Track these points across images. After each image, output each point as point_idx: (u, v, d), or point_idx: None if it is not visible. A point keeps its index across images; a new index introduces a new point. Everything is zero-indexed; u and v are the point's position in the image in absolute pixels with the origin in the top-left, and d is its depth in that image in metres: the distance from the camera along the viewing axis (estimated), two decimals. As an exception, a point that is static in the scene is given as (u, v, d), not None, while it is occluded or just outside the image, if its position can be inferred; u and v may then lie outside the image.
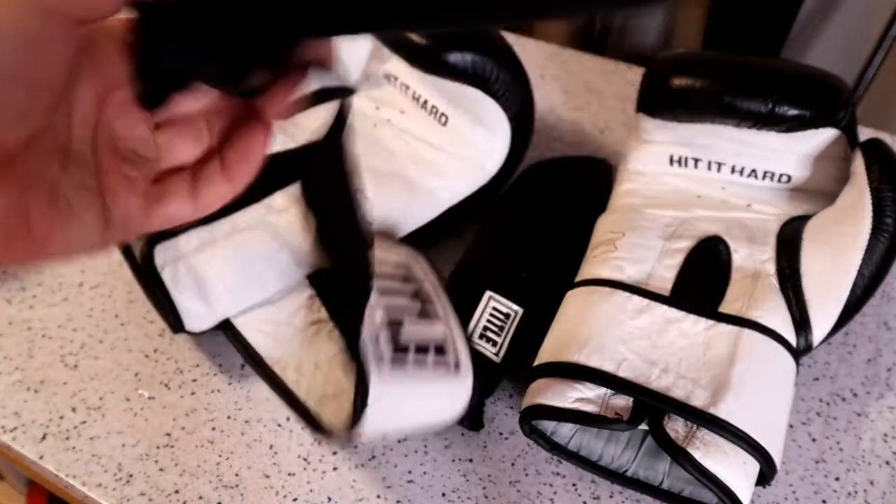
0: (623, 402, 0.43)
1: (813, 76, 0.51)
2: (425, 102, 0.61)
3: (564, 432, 0.47)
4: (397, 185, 0.57)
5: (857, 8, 1.16)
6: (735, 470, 0.41)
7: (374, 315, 0.43)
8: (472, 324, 0.51)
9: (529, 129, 0.61)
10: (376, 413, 0.41)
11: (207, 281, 0.51)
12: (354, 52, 0.64)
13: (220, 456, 0.49)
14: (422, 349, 0.43)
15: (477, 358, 0.50)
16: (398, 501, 0.47)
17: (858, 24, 1.17)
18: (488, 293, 0.52)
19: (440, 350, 0.44)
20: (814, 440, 0.49)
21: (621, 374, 0.44)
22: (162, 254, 0.50)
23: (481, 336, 0.50)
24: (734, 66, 0.52)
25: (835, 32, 1.20)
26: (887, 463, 0.49)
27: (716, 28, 1.26)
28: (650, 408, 0.43)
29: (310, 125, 0.60)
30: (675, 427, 0.42)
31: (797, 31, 1.22)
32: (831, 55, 1.23)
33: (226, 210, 0.52)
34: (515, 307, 0.52)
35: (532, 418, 0.45)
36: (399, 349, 0.42)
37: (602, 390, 0.44)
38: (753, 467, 0.42)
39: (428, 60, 0.56)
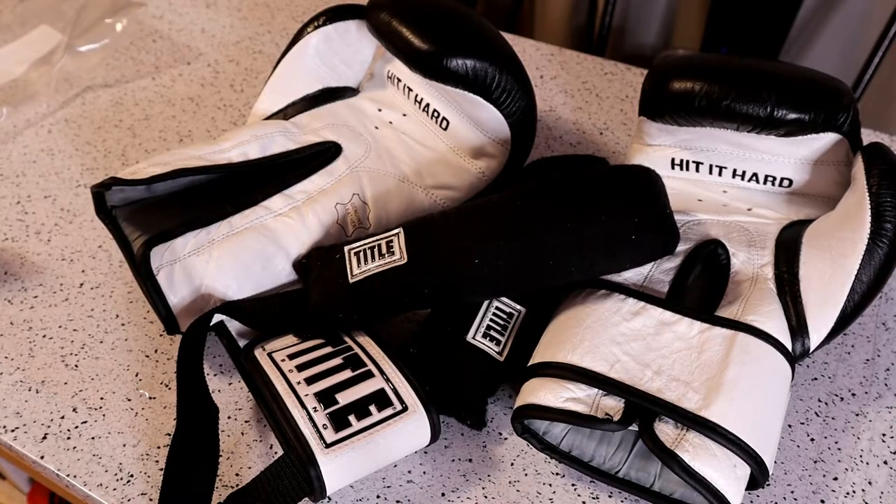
0: (614, 402, 0.44)
1: (813, 80, 0.51)
2: (427, 106, 0.61)
3: (557, 432, 0.47)
4: (396, 188, 0.57)
5: (857, 8, 1.17)
6: (725, 473, 0.41)
7: (307, 403, 0.45)
8: (475, 323, 0.51)
9: (531, 136, 0.60)
10: (341, 474, 0.43)
11: (203, 283, 0.51)
12: (360, 53, 0.64)
13: (220, 456, 0.49)
14: (363, 409, 0.45)
15: (480, 356, 0.50)
16: (398, 501, 0.47)
17: (858, 25, 1.17)
18: None
19: (382, 400, 0.45)
20: (812, 440, 0.50)
21: (613, 375, 0.44)
22: (158, 256, 0.50)
23: (485, 335, 0.50)
24: (734, 69, 0.52)
25: (834, 33, 1.20)
26: (885, 463, 0.49)
27: (716, 28, 1.26)
28: (641, 409, 0.43)
29: (310, 125, 0.60)
30: (666, 429, 0.42)
31: (796, 31, 1.22)
32: (830, 55, 1.23)
33: (224, 212, 0.52)
34: (518, 307, 0.52)
35: (523, 418, 0.45)
36: (341, 422, 0.44)
37: (593, 390, 0.44)
38: (744, 471, 0.42)
39: (429, 66, 0.55)
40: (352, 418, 0.44)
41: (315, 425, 0.44)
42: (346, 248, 0.50)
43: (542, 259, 0.47)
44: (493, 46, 0.56)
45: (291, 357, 0.48)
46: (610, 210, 0.47)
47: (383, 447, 0.44)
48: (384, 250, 0.49)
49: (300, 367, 0.47)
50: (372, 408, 0.45)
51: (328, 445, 0.43)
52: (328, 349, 0.48)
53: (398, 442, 0.45)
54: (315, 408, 0.44)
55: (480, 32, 0.57)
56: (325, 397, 0.45)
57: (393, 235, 0.50)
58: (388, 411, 0.45)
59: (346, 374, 0.46)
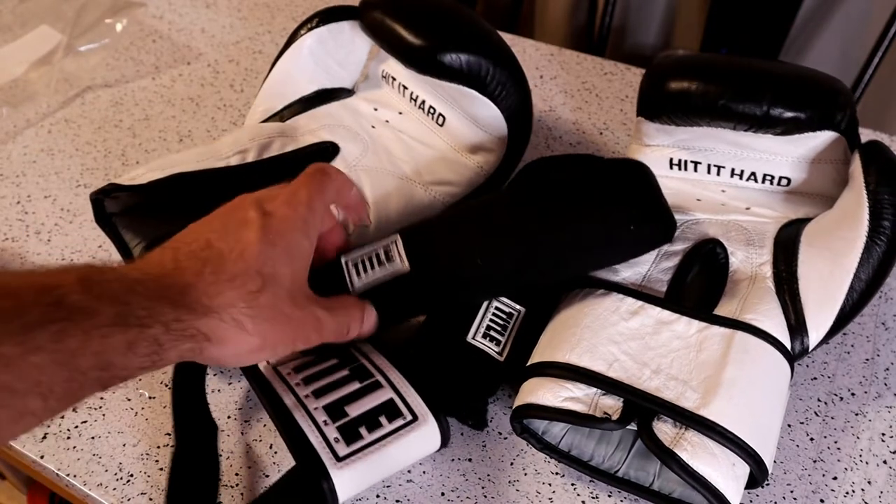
0: (613, 401, 0.44)
1: (809, 79, 0.51)
2: (423, 103, 0.61)
3: (556, 431, 0.47)
4: (395, 186, 0.58)
5: (857, 8, 1.17)
6: (724, 472, 0.41)
7: (316, 417, 0.44)
8: (475, 324, 0.51)
9: (527, 129, 0.61)
10: (353, 486, 0.43)
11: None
12: (354, 53, 0.64)
13: (220, 456, 0.49)
14: (373, 420, 0.44)
15: (480, 356, 0.50)
16: (398, 501, 0.47)
17: (857, 25, 1.18)
18: None
19: (392, 411, 0.45)
20: (812, 440, 0.50)
21: (611, 374, 0.44)
22: None
23: (484, 335, 0.50)
24: (731, 69, 0.52)
25: (834, 33, 1.21)
26: (885, 462, 0.49)
27: (716, 28, 1.26)
28: (640, 408, 0.43)
29: (307, 126, 0.61)
30: (664, 428, 0.42)
31: (796, 31, 1.22)
32: (830, 55, 1.23)
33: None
34: (518, 307, 0.52)
35: (523, 417, 0.45)
36: (352, 435, 0.44)
37: (592, 390, 0.44)
38: (743, 469, 0.42)
39: (423, 62, 0.55)
40: (363, 430, 0.44)
41: (326, 439, 0.43)
42: (342, 259, 0.50)
43: (544, 258, 0.47)
44: (486, 40, 0.57)
45: (297, 370, 0.47)
46: (607, 204, 0.47)
47: (395, 457, 0.44)
48: (383, 258, 0.49)
49: (307, 381, 0.46)
50: (382, 419, 0.44)
51: (340, 459, 0.42)
52: (333, 361, 0.48)
53: (409, 451, 0.45)
54: (325, 421, 0.44)
55: (473, 27, 0.57)
56: (335, 410, 0.44)
57: (390, 242, 0.49)
58: (399, 422, 0.44)
59: (354, 385, 0.46)
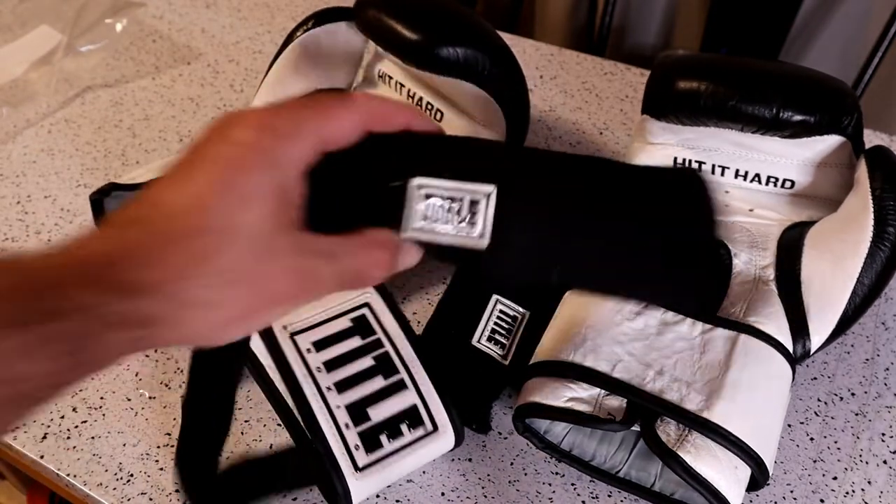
0: (616, 402, 0.44)
1: (818, 82, 0.51)
2: (420, 100, 0.61)
3: (558, 431, 0.47)
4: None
5: (857, 8, 1.16)
6: (726, 474, 0.41)
7: (338, 417, 0.43)
8: (480, 326, 0.51)
9: (525, 123, 0.61)
10: (367, 492, 0.43)
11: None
12: (349, 54, 0.64)
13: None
14: (395, 428, 0.43)
15: (485, 360, 0.50)
16: (398, 501, 0.47)
17: (857, 25, 1.17)
18: (495, 297, 0.52)
19: (414, 419, 0.44)
20: (812, 440, 0.50)
21: (615, 375, 0.44)
22: None
23: (489, 339, 0.50)
24: (740, 69, 0.52)
25: (834, 33, 1.20)
26: (885, 462, 0.49)
27: (716, 28, 1.26)
28: (643, 409, 0.43)
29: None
30: (668, 430, 0.42)
31: (796, 31, 1.22)
32: (830, 55, 1.23)
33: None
34: (522, 310, 0.52)
35: (525, 416, 0.45)
36: (373, 443, 0.42)
37: (596, 390, 0.44)
38: (745, 472, 0.42)
39: (420, 56, 0.56)
40: (383, 438, 0.43)
41: (346, 445, 0.42)
42: (413, 182, 0.35)
43: (605, 287, 0.46)
44: (482, 35, 0.57)
45: (318, 347, 0.45)
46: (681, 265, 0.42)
47: (409, 465, 0.44)
48: (466, 213, 0.35)
49: (328, 365, 0.44)
50: (404, 427, 0.43)
51: (359, 469, 0.42)
52: (357, 340, 0.46)
53: (423, 459, 0.45)
54: (347, 424, 0.43)
55: (468, 22, 0.57)
56: (357, 411, 0.43)
57: (483, 196, 0.34)
58: (420, 431, 0.44)
59: (379, 381, 0.44)
